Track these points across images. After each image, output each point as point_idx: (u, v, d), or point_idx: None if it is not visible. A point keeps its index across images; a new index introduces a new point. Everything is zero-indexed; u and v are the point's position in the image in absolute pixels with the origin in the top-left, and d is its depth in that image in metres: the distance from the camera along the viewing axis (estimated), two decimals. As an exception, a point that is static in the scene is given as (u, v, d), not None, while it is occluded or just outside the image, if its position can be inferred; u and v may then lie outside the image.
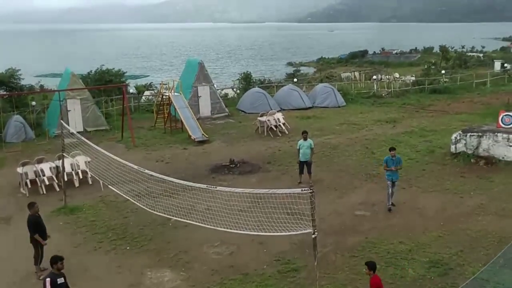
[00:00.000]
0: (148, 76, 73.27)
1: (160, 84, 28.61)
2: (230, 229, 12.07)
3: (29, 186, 18.60)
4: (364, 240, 14.15)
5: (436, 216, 15.52)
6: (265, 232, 11.94)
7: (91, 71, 34.63)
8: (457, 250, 13.20)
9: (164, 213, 13.74)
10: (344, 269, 12.62)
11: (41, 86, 32.70)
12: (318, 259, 11.14)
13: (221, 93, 36.41)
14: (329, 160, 21.55)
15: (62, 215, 16.55)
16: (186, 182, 12.34)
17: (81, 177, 19.46)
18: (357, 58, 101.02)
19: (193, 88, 30.49)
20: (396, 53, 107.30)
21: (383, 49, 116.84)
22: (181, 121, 26.59)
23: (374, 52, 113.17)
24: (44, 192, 18.67)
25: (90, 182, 19.51)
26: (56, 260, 9.74)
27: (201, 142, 24.97)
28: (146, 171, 13.50)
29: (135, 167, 13.86)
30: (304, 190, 9.80)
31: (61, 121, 17.41)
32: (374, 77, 43.48)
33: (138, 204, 14.89)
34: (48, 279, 9.47)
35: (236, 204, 14.15)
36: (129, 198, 15.18)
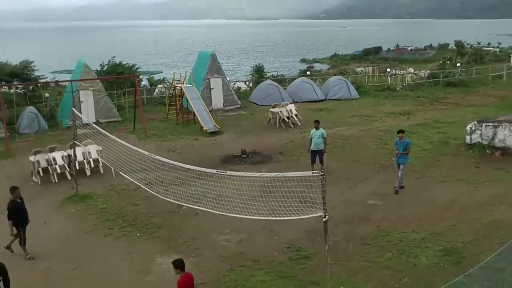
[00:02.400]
0: (162, 72, 73.47)
1: (173, 76, 28.50)
2: (240, 214, 11.96)
3: (41, 174, 18.66)
4: (376, 228, 13.98)
5: (449, 206, 15.29)
6: (276, 217, 11.76)
7: (103, 63, 34.65)
8: (471, 239, 12.98)
9: (175, 200, 13.65)
10: (355, 257, 12.47)
11: (56, 82, 32.79)
12: (330, 246, 10.98)
13: (233, 86, 36.28)
14: (341, 151, 21.37)
15: (73, 203, 16.59)
16: (196, 167, 12.22)
17: (92, 166, 19.49)
18: (371, 54, 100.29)
19: (205, 80, 30.41)
20: (411, 50, 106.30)
21: (397, 45, 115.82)
22: (193, 112, 26.53)
23: (389, 48, 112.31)
24: (56, 180, 18.73)
25: (102, 171, 19.53)
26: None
27: (213, 133, 24.91)
28: (157, 157, 13.45)
29: (146, 153, 13.83)
30: (315, 173, 9.65)
31: (73, 108, 17.40)
32: (388, 70, 43.08)
33: (149, 190, 14.85)
34: None
35: (246, 192, 14.04)
36: (140, 185, 15.14)
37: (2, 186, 15.93)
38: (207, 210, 12.58)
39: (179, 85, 27.75)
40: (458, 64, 43.35)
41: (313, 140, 18.28)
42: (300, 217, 10.96)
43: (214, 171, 11.98)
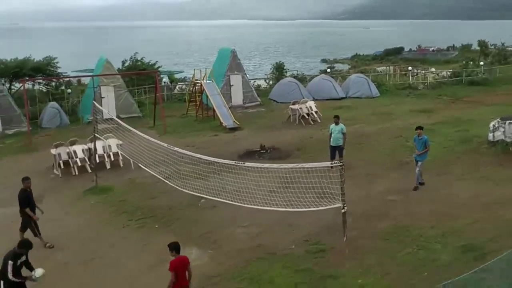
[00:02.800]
0: (183, 72, 73.73)
1: (193, 72, 28.64)
2: (259, 205, 11.96)
3: (62, 167, 18.89)
4: (394, 224, 13.81)
5: (470, 203, 15.00)
6: (294, 208, 11.72)
7: (125, 60, 34.92)
8: (493, 236, 12.69)
9: (193, 191, 13.70)
10: (373, 251, 12.32)
11: (78, 81, 33.25)
12: (348, 240, 10.93)
13: (253, 84, 36.30)
14: (360, 147, 21.21)
15: (93, 195, 16.78)
16: (214, 158, 12.24)
17: (112, 159, 19.67)
18: (392, 55, 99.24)
19: (225, 76, 30.51)
20: (433, 50, 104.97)
21: (419, 46, 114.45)
22: (213, 108, 26.60)
23: (410, 49, 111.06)
24: (76, 173, 18.96)
25: (121, 165, 19.71)
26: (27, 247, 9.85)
27: (232, 129, 24.95)
28: (176, 148, 13.55)
29: (165, 145, 13.93)
30: (334, 163, 9.58)
31: (94, 102, 17.58)
32: (410, 68, 42.64)
33: (167, 182, 14.91)
34: (11, 263, 9.46)
35: (265, 185, 14.05)
36: (158, 177, 15.23)
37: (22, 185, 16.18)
38: (225, 201, 12.66)
39: (199, 82, 27.83)
40: (482, 63, 42.65)
41: (332, 135, 18.18)
42: (319, 208, 10.93)
43: (232, 162, 12.00)
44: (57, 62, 31.00)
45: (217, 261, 12.12)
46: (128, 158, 17.78)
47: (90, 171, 18.83)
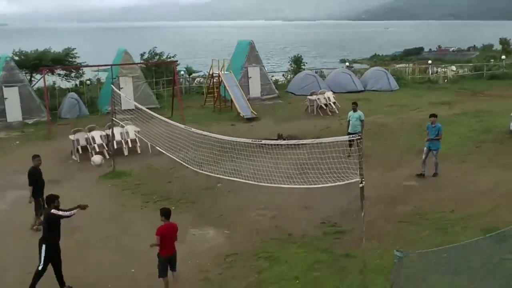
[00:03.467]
0: (201, 71, 73.89)
1: (211, 63, 28.65)
2: (276, 184, 11.94)
3: (80, 152, 19.01)
4: (413, 208, 13.67)
5: (491, 190, 14.78)
6: (311, 185, 11.64)
7: (144, 53, 35.06)
8: (514, 221, 12.49)
9: (211, 173, 13.71)
10: (390, 234, 12.19)
11: (98, 80, 33.41)
12: (366, 223, 10.73)
13: (271, 78, 36.18)
14: (378, 136, 21.00)
15: (110, 179, 16.85)
16: (232, 138, 12.22)
17: (130, 145, 19.74)
18: (412, 55, 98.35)
19: (243, 69, 30.44)
20: (453, 51, 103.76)
21: (439, 46, 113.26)
22: (231, 99, 26.59)
23: (430, 49, 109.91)
24: (94, 159, 19.03)
25: (139, 151, 19.79)
26: (53, 199, 9.90)
27: (250, 120, 24.89)
28: (193, 129, 13.55)
29: (182, 126, 13.94)
30: (353, 137, 9.47)
31: (112, 85, 17.61)
32: (430, 61, 42.16)
33: (184, 164, 14.88)
34: (53, 210, 9.69)
35: (282, 169, 13.98)
36: (176, 159, 15.21)
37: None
38: (243, 181, 12.64)
39: (217, 73, 27.84)
40: (503, 57, 41.99)
41: (350, 122, 18.05)
42: (336, 183, 10.81)
43: (249, 140, 11.95)
44: (76, 53, 31.21)
45: (233, 241, 12.08)
46: (146, 141, 17.86)
47: (108, 157, 18.88)
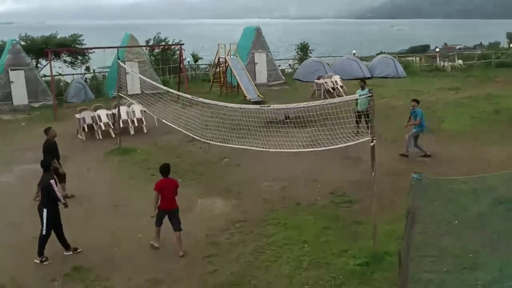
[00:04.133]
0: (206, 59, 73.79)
1: (217, 47, 28.45)
2: (284, 149, 11.80)
3: (86, 130, 18.90)
4: (425, 181, 13.42)
5: (503, 164, 14.51)
6: (321, 147, 11.50)
7: (149, 40, 34.87)
8: (527, 192, 12.27)
9: (221, 143, 13.60)
10: (401, 203, 11.90)
11: (103, 76, 33.28)
12: (376, 194, 10.54)
13: (278, 67, 35.94)
14: (387, 117, 20.74)
15: (116, 155, 16.76)
16: (240, 105, 12.05)
17: (136, 125, 19.62)
18: (418, 52, 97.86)
19: (250, 55, 30.21)
20: (460, 49, 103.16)
21: (445, 44, 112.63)
22: (237, 83, 26.40)
23: (436, 47, 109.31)
24: (100, 137, 18.98)
25: (145, 131, 19.67)
26: (49, 162, 10.12)
27: (256, 103, 24.66)
28: (200, 99, 13.48)
29: (189, 96, 13.85)
30: (363, 94, 9.27)
31: (118, 61, 17.47)
32: (438, 49, 41.83)
33: (191, 135, 14.72)
34: (52, 181, 9.74)
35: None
36: (183, 131, 15.06)
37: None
38: (252, 148, 12.47)
39: (224, 57, 27.66)
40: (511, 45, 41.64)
41: (358, 100, 17.80)
42: (347, 144, 10.68)
43: (257, 106, 11.80)
44: (82, 40, 31.10)
45: (242, 209, 11.94)
46: (153, 116, 17.77)
47: (113, 135, 18.80)
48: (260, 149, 12.15)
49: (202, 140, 14.29)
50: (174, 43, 34.42)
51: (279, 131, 18.99)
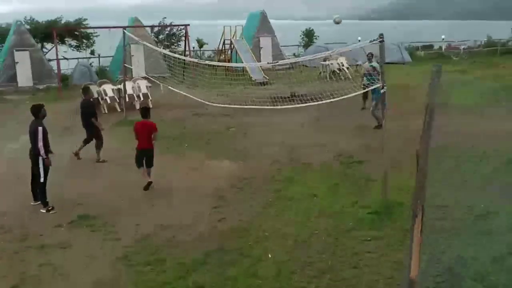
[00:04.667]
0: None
1: (223, 30, 28.33)
2: (292, 105, 11.69)
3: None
4: (434, 146, 13.26)
5: (510, 136, 14.35)
6: (329, 99, 11.39)
7: (154, 24, 34.63)
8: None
9: (229, 105, 13.55)
10: (412, 164, 11.76)
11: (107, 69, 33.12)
12: (385, 154, 10.41)
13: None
14: (394, 94, 20.57)
15: (123, 126, 16.66)
16: (246, 64, 11.91)
17: (142, 99, 19.53)
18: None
19: (255, 39, 30.05)
20: (464, 49, 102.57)
21: (449, 44, 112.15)
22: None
23: (440, 47, 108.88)
24: (106, 111, 18.92)
25: (151, 106, 19.50)
26: (40, 109, 9.84)
27: (262, 84, 24.58)
28: (206, 61, 13.33)
29: (195, 60, 13.73)
30: (374, 40, 9.17)
31: (124, 30, 17.27)
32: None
33: (198, 99, 14.61)
34: (40, 128, 9.46)
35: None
36: (187, 95, 14.99)
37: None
38: (257, 107, 12.39)
39: (229, 39, 27.55)
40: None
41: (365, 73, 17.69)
42: (356, 93, 10.57)
43: (265, 62, 11.66)
44: (87, 24, 30.99)
45: (249, 169, 11.84)
46: (158, 82, 17.73)
47: (119, 110, 18.71)
48: (266, 107, 12.05)
49: (211, 104, 14.16)
50: (179, 31, 34.40)
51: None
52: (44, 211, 9.48)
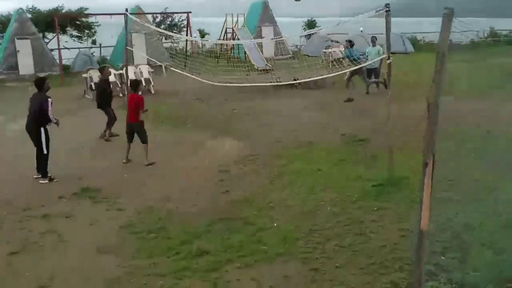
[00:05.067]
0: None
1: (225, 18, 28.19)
2: (294, 81, 11.61)
3: (93, 88, 18.68)
4: (443, 126, 13.17)
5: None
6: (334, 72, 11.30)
7: (156, 16, 34.50)
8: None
9: (233, 83, 13.43)
10: (416, 144, 11.67)
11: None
12: (391, 133, 10.33)
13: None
14: (396, 79, 20.46)
15: (124, 110, 16.53)
16: (250, 41, 11.81)
17: (143, 85, 19.40)
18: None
19: (257, 28, 29.88)
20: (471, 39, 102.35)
21: (450, 41, 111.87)
22: (245, 55, 26.15)
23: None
24: (108, 96, 18.75)
25: (153, 92, 19.47)
26: (44, 81, 9.96)
27: (264, 71, 24.44)
28: (211, 42, 13.18)
29: (200, 40, 13.59)
30: (380, 9, 9.06)
31: (128, 14, 17.07)
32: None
33: (201, 80, 14.51)
34: (50, 99, 9.65)
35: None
36: (191, 75, 14.90)
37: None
38: (262, 84, 12.30)
39: (231, 27, 27.42)
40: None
41: (368, 57, 17.56)
42: (363, 65, 10.46)
43: (271, 39, 11.56)
44: (88, 14, 30.78)
45: (253, 147, 11.76)
46: (160, 64, 17.66)
47: (121, 95, 18.61)
48: (269, 83, 11.96)
49: (216, 84, 14.07)
50: (181, 21, 34.21)
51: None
52: (46, 181, 9.46)
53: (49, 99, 9.54)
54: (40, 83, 9.77)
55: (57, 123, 9.73)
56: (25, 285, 5.96)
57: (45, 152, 9.52)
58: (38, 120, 9.52)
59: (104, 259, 6.58)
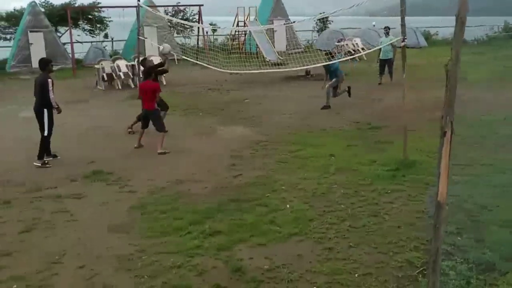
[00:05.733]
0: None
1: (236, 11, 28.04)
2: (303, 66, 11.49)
3: (105, 79, 18.73)
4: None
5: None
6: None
7: (167, 11, 34.39)
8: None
9: (242, 71, 13.37)
10: (428, 129, 11.58)
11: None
12: (402, 122, 10.21)
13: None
14: (410, 71, 20.28)
15: (136, 99, 16.51)
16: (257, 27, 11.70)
17: (123, 77, 19.38)
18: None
19: (268, 21, 29.70)
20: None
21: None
22: (256, 45, 26.02)
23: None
24: (120, 87, 18.85)
25: (164, 83, 19.42)
26: (47, 62, 9.96)
27: (275, 65, 24.32)
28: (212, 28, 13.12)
29: (206, 28, 13.53)
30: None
31: (138, 2, 17.06)
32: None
33: (213, 67, 14.52)
34: (50, 80, 9.67)
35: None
36: (202, 63, 14.98)
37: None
38: (271, 70, 12.19)
39: (243, 20, 27.29)
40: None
41: (382, 48, 17.38)
42: (372, 50, 10.30)
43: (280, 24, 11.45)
44: (101, 7, 30.84)
45: (264, 133, 11.70)
46: (173, 53, 17.76)
47: (133, 86, 18.62)
48: (280, 69, 11.89)
49: (228, 72, 14.03)
50: (193, 16, 34.11)
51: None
52: (39, 164, 9.49)
53: (49, 80, 9.56)
54: (43, 63, 9.81)
55: (58, 109, 9.74)
56: (37, 262, 5.92)
57: (45, 134, 9.54)
58: (40, 100, 9.58)
59: (115, 238, 6.54)
